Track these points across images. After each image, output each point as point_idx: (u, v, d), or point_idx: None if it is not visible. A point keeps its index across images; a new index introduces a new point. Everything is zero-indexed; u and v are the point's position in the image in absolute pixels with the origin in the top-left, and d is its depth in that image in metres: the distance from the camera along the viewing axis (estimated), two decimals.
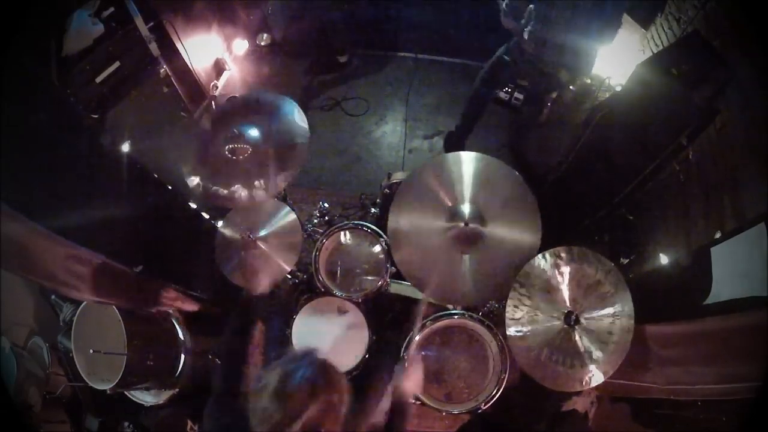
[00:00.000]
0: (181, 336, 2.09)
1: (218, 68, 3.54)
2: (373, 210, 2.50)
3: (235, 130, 2.01)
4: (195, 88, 3.25)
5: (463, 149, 2.84)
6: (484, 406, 1.89)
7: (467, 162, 1.87)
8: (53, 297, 2.35)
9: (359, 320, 2.08)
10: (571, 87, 3.21)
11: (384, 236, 2.10)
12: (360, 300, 2.10)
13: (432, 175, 1.87)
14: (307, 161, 3.28)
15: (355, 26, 3.70)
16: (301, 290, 2.43)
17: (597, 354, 1.60)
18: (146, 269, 1.88)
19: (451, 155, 1.90)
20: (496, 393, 1.88)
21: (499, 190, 1.85)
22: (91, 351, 1.72)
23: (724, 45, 2.04)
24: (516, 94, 3.24)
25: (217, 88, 3.49)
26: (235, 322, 1.59)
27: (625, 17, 3.00)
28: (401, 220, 1.84)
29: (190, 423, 2.15)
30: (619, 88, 2.92)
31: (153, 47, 2.71)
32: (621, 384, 1.91)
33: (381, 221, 2.23)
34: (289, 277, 2.33)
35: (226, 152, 1.99)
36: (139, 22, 2.57)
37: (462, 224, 1.80)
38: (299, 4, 3.69)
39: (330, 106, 3.55)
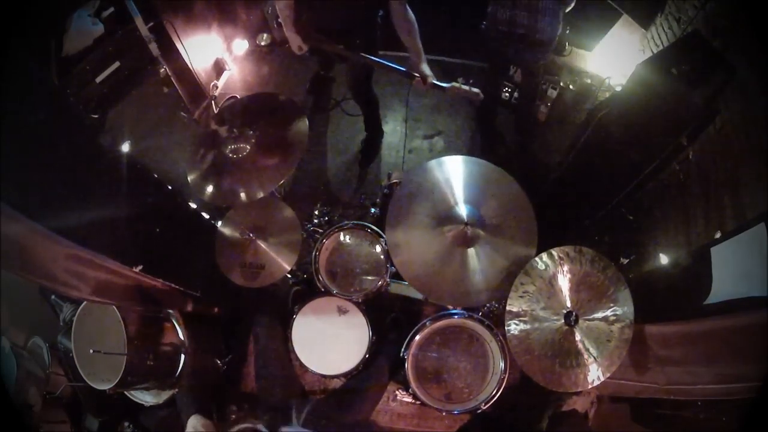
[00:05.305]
0: (181, 336, 2.09)
1: (218, 68, 3.54)
2: (373, 210, 2.50)
3: (234, 130, 2.02)
4: (195, 88, 3.25)
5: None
6: (484, 406, 1.89)
7: (465, 165, 1.88)
8: (53, 297, 2.35)
9: (359, 320, 2.08)
10: (571, 86, 3.21)
11: (384, 236, 2.10)
12: (360, 300, 2.10)
13: (432, 176, 1.88)
14: (307, 161, 3.32)
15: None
16: (301, 290, 2.43)
17: (597, 354, 1.60)
18: (146, 269, 1.88)
19: (449, 158, 1.90)
20: (496, 393, 1.88)
21: (498, 193, 1.86)
22: (91, 351, 1.72)
23: (724, 45, 2.04)
24: (515, 94, 3.26)
25: (217, 88, 3.48)
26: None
27: (625, 17, 3.00)
28: (401, 221, 1.84)
29: None
30: (619, 88, 2.92)
31: (153, 47, 2.71)
32: (621, 384, 1.91)
33: (381, 221, 2.23)
34: (289, 276, 2.33)
35: (227, 152, 2.01)
36: (139, 22, 2.58)
37: (462, 225, 1.80)
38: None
39: (330, 106, 3.55)
